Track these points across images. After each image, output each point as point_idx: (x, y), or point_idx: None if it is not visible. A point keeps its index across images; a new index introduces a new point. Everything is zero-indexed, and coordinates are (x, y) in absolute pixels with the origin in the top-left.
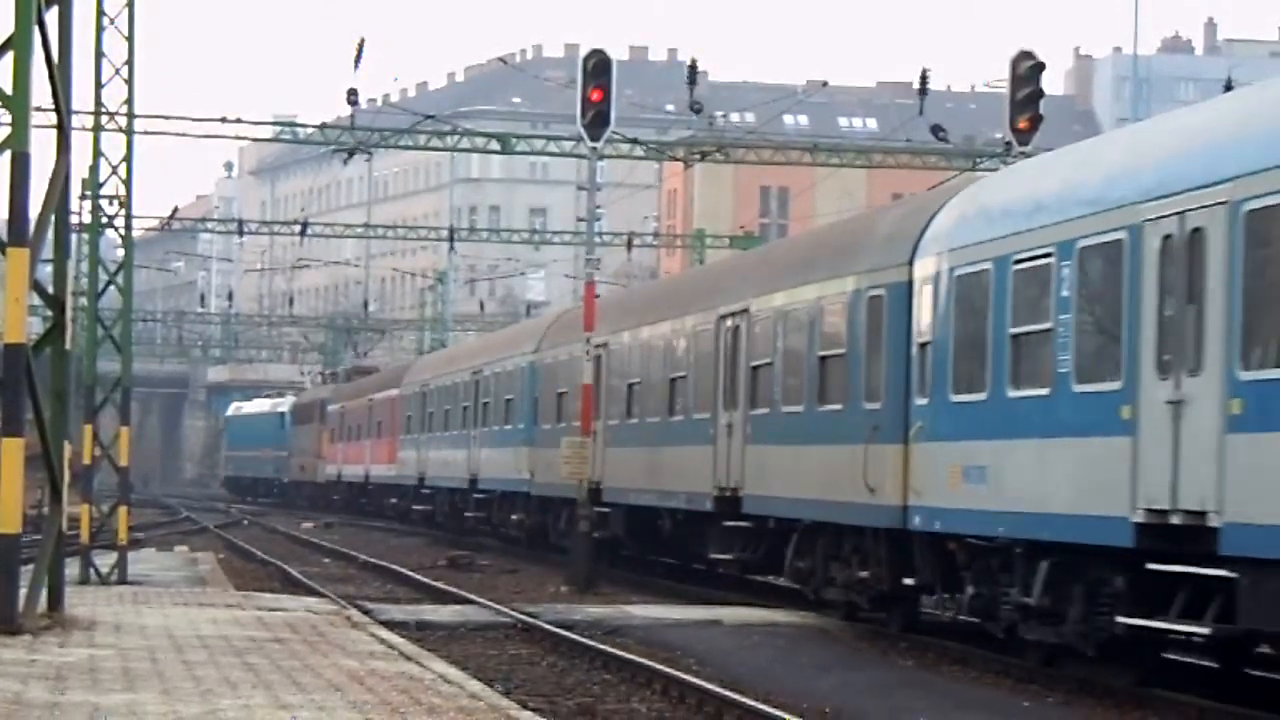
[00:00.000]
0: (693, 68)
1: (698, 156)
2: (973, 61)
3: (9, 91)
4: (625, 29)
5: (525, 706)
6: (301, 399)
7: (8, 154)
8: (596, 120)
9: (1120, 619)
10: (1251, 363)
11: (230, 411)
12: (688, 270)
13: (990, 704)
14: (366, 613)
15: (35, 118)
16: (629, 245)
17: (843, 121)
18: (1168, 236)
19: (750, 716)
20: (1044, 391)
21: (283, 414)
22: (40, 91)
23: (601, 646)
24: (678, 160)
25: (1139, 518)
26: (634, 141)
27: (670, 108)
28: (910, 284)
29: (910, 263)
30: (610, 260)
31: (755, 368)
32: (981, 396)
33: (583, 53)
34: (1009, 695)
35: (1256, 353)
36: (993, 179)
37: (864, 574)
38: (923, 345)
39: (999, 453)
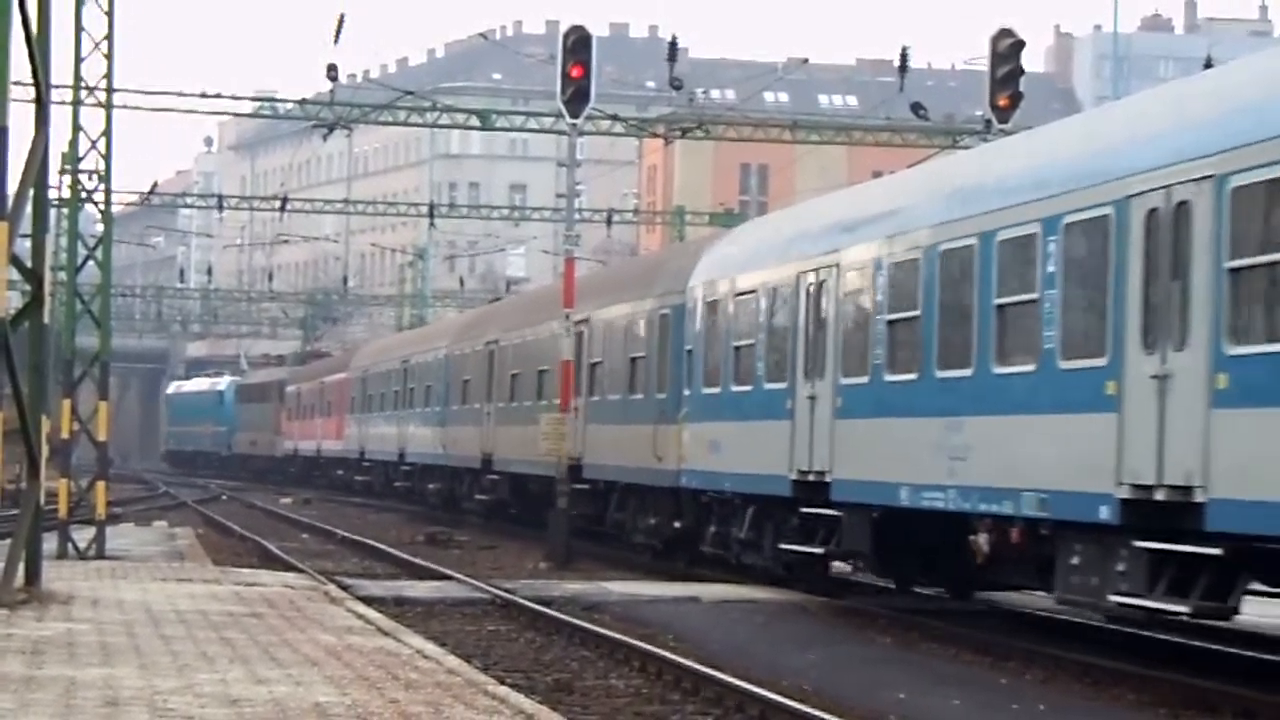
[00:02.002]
0: (673, 44)
1: (678, 133)
2: (953, 39)
3: None
4: (606, 5)
5: (503, 682)
6: (253, 378)
7: None
8: (577, 96)
9: (783, 546)
10: (847, 372)
11: (170, 390)
12: (554, 284)
13: (968, 681)
14: (344, 588)
15: (14, 92)
16: (609, 222)
17: (823, 99)
18: (810, 284)
19: (728, 693)
20: (749, 388)
21: (221, 392)
22: (19, 65)
23: (579, 623)
24: (658, 137)
25: (794, 476)
26: (614, 118)
27: (650, 84)
28: (684, 305)
29: (684, 290)
30: (590, 236)
31: (593, 365)
32: (718, 390)
33: (563, 29)
34: (987, 672)
35: (849, 365)
36: (735, 232)
37: (652, 521)
38: (689, 351)
39: (727, 431)
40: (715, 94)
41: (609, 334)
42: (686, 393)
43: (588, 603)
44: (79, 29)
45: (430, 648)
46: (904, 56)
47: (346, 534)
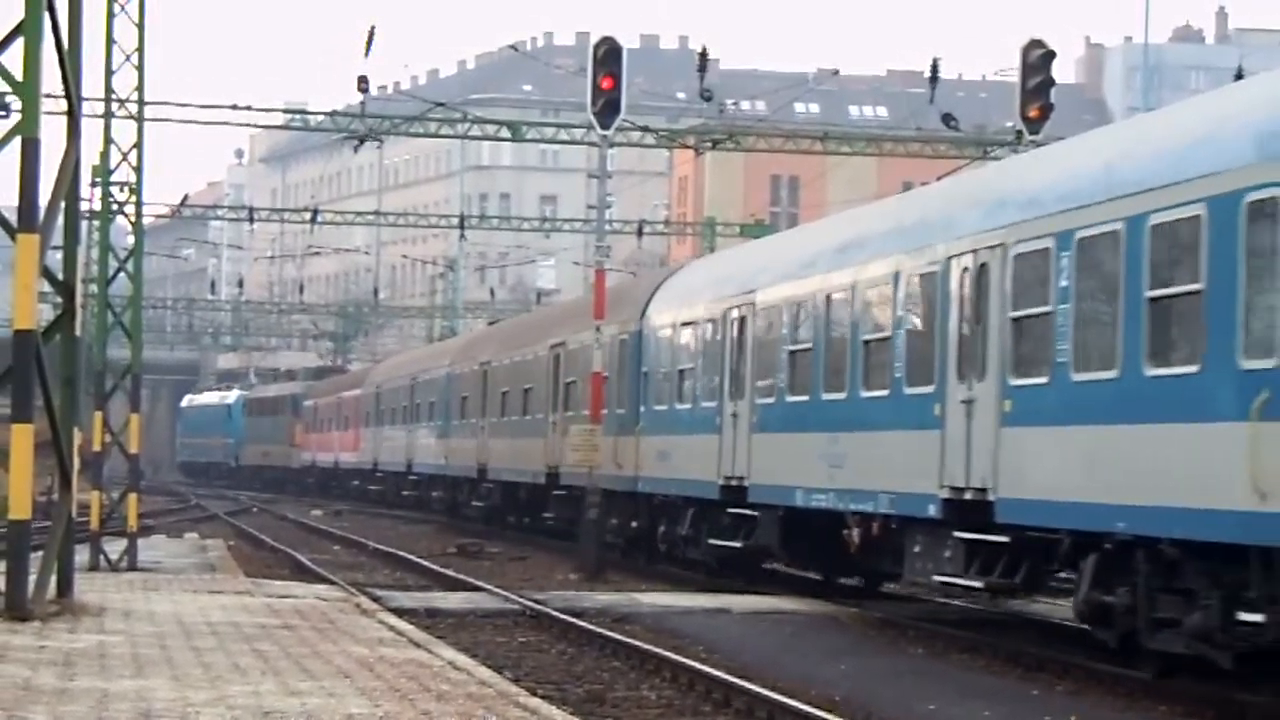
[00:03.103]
0: (703, 55)
1: (708, 144)
2: (984, 50)
3: (19, 78)
4: (636, 16)
5: (534, 694)
6: (263, 392)
7: (18, 140)
8: (607, 108)
9: (712, 541)
10: (761, 394)
11: (184, 403)
12: (538, 311)
13: (999, 692)
14: (376, 600)
15: (45, 104)
16: (639, 233)
17: (853, 110)
18: (734, 318)
19: (758, 704)
20: (689, 406)
21: (229, 405)
22: (50, 78)
23: (610, 634)
24: (688, 148)
25: (721, 481)
26: (645, 129)
27: (681, 95)
28: (641, 332)
29: (642, 318)
30: (620, 248)
31: (568, 384)
32: (665, 408)
33: (593, 40)
34: (1018, 684)
35: (762, 388)
36: (686, 268)
37: (615, 521)
38: (645, 373)
39: (671, 443)
40: (746, 105)
41: (581, 356)
42: (642, 409)
43: (618, 614)
44: (110, 41)
45: (462, 659)
46: (934, 67)
47: (378, 545)
